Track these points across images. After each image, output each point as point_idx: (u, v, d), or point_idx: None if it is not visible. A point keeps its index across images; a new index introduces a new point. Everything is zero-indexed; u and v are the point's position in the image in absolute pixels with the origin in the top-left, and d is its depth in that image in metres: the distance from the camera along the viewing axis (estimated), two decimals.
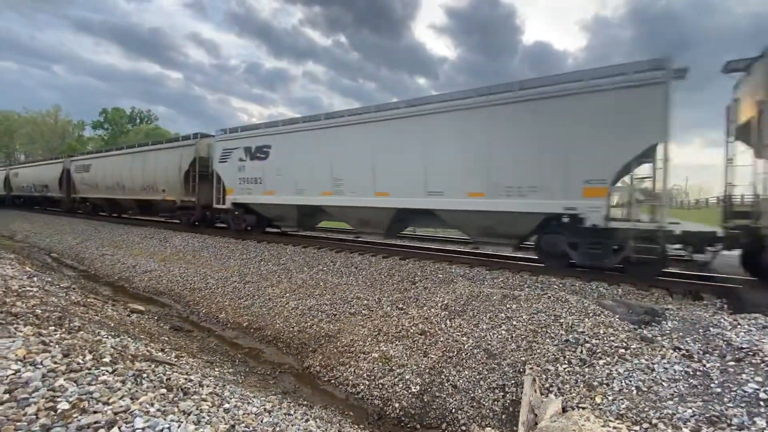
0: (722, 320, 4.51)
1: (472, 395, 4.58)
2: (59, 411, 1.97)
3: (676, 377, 3.75)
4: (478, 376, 4.76)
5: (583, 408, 3.56)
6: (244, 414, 2.87)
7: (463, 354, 5.11)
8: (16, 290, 5.03)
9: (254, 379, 5.18)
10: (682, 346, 4.17)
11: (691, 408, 3.32)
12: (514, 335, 5.14)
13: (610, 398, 3.68)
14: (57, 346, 3.00)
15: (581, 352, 4.42)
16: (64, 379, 2.35)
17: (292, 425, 3.05)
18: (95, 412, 2.04)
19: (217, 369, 4.97)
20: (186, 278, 9.75)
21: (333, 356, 5.81)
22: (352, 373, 5.34)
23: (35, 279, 6.63)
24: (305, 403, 4.62)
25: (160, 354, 4.23)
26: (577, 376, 4.10)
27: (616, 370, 4.05)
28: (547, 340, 4.88)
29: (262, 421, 2.79)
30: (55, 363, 2.57)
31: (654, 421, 3.28)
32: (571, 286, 6.34)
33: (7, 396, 2.03)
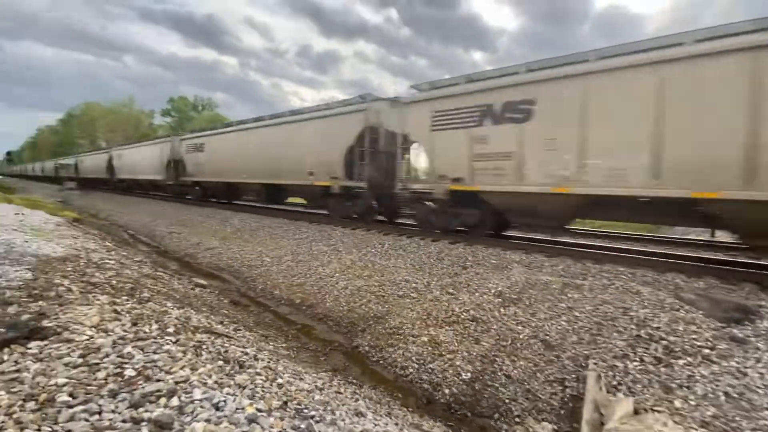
0: None
1: (527, 387, 4.34)
2: (126, 377, 2.08)
3: None
4: (534, 368, 4.50)
5: (660, 412, 3.20)
6: (296, 390, 2.90)
7: (518, 344, 4.85)
8: (96, 262, 5.52)
9: (306, 355, 5.31)
10: None
11: None
12: (575, 327, 4.79)
13: (693, 403, 3.27)
14: (128, 315, 3.22)
15: (656, 349, 3.99)
16: (132, 347, 2.48)
17: (342, 404, 3.04)
18: (158, 381, 2.12)
19: (271, 343, 5.14)
20: (244, 256, 10.27)
21: (382, 337, 5.80)
22: (400, 356, 5.30)
23: (113, 253, 7.29)
24: (355, 381, 4.65)
25: (219, 326, 4.44)
26: (652, 375, 3.70)
27: (699, 372, 3.60)
28: (614, 334, 4.48)
29: (313, 399, 2.79)
30: (125, 331, 2.74)
31: None
32: (642, 276, 5.75)
33: (81, 360, 2.17)
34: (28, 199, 18.25)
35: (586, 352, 4.40)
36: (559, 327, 4.87)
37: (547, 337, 4.80)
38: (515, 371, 4.54)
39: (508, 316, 5.33)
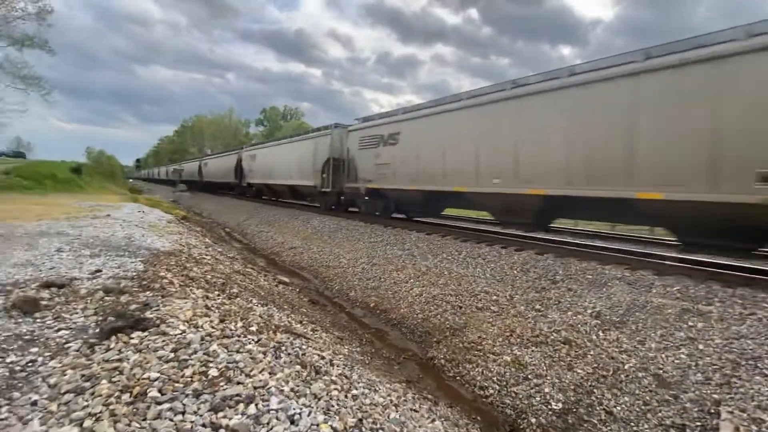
0: None
1: (634, 429, 3.68)
2: (210, 377, 2.12)
3: None
4: (643, 407, 3.80)
5: None
6: (370, 404, 2.76)
7: (622, 375, 4.16)
8: (195, 257, 6.07)
9: (379, 362, 5.20)
10: None
11: None
12: (700, 363, 3.95)
13: None
14: (217, 310, 3.39)
15: None
16: (217, 345, 2.56)
17: (419, 426, 2.82)
18: (238, 383, 2.13)
19: (346, 346, 5.13)
20: (322, 256, 10.64)
21: (458, 351, 5.46)
22: (480, 374, 4.91)
23: (210, 249, 8.02)
24: (430, 397, 4.39)
25: (298, 326, 4.53)
26: None
27: None
28: (758, 377, 3.59)
29: (389, 417, 2.62)
30: (213, 327, 2.86)
31: None
32: None
33: (172, 355, 2.28)
34: (150, 199, 21.30)
35: (716, 395, 3.59)
36: (677, 361, 4.07)
37: (661, 371, 4.04)
38: (618, 408, 3.89)
39: (608, 341, 4.62)
